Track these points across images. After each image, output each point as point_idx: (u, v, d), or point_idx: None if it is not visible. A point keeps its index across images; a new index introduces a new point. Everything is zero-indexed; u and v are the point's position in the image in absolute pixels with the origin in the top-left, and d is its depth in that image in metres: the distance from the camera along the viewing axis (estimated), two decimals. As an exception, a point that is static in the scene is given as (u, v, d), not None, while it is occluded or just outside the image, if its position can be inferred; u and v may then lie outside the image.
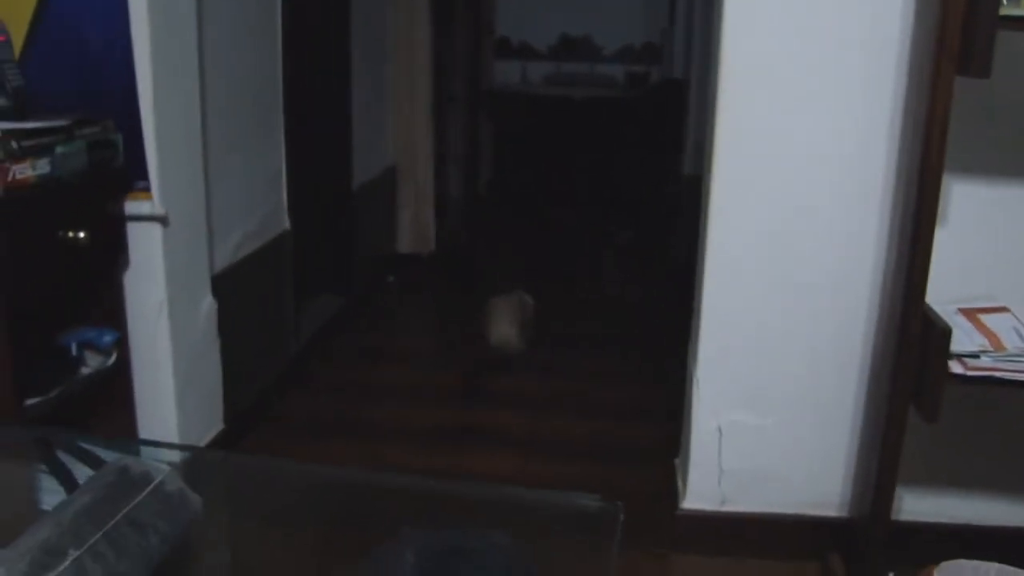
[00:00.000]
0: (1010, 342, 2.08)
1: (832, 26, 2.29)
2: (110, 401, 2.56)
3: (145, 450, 1.67)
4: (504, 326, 4.10)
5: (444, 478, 2.94)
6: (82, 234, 2.28)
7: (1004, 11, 1.86)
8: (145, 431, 2.66)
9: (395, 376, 4.02)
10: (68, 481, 1.28)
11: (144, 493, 1.12)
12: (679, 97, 6.43)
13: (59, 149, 2.23)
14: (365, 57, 4.71)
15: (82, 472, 1.29)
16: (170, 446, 2.32)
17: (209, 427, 2.99)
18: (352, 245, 4.66)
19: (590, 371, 4.07)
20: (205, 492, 1.24)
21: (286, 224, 3.68)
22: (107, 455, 1.37)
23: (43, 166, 2.19)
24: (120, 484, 1.15)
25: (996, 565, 2.10)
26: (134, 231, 2.57)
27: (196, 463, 1.58)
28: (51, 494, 1.33)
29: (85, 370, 2.46)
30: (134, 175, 2.53)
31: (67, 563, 1.02)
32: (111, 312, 2.55)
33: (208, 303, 2.94)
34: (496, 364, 3.99)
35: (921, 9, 2.23)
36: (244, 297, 3.26)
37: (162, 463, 1.28)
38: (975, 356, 2.05)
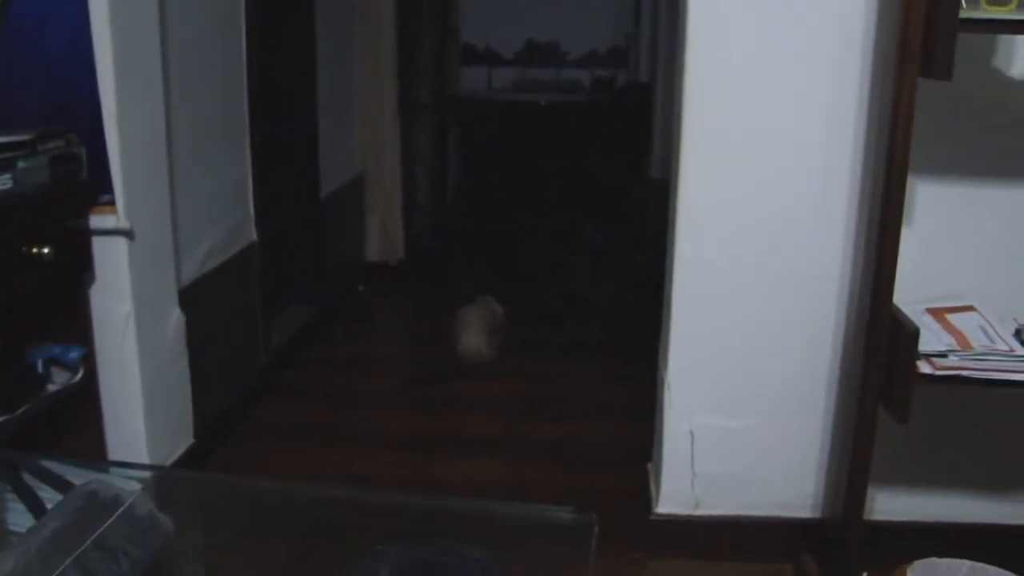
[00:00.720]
0: (977, 341, 2.10)
1: (797, 28, 2.31)
2: (77, 418, 2.52)
3: (114, 470, 1.64)
4: (473, 337, 4.11)
5: (418, 491, 2.95)
6: (46, 249, 2.25)
7: (964, 14, 1.88)
8: (113, 447, 2.63)
9: (368, 384, 4.02)
10: (36, 505, 1.26)
11: (114, 517, 1.10)
12: (645, 100, 6.46)
13: (21, 164, 2.20)
14: (331, 63, 4.70)
15: (50, 495, 1.27)
16: (139, 467, 2.29)
17: (179, 441, 2.96)
18: (321, 254, 4.65)
19: (562, 375, 4.07)
20: (176, 513, 1.22)
21: (253, 235, 3.66)
22: (75, 476, 1.35)
23: (4, 181, 2.15)
24: (89, 508, 1.13)
25: (968, 562, 2.12)
26: (99, 245, 2.54)
27: (166, 483, 1.56)
28: (18, 515, 1.31)
29: (52, 387, 2.42)
30: (99, 188, 2.50)
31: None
32: (77, 327, 2.52)
33: (176, 316, 2.91)
34: (453, 372, 3.98)
35: (883, 12, 2.25)
36: (212, 309, 3.24)
37: (133, 483, 1.26)
38: (943, 355, 2.07)
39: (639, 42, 7.24)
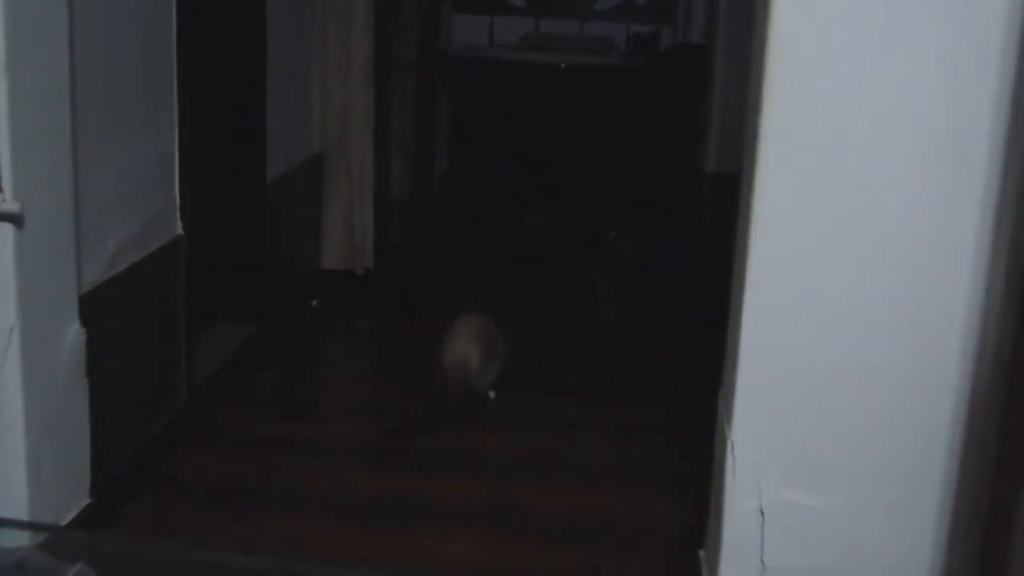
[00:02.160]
0: None
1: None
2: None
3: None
4: (462, 343, 4.13)
5: (384, 571, 2.93)
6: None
7: None
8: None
9: (320, 429, 4.02)
10: None
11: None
12: (700, 68, 6.44)
13: None
14: (287, 15, 4.73)
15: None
16: (30, 526, 2.27)
17: (72, 501, 2.94)
18: (264, 257, 4.63)
19: (576, 424, 4.07)
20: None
21: (178, 229, 3.67)
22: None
23: None
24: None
25: None
26: (-24, 234, 2.55)
27: (61, 547, 1.55)
28: None
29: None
30: (-23, 158, 2.50)
31: None
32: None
33: (74, 332, 2.88)
34: (434, 419, 3.98)
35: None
36: (122, 324, 3.23)
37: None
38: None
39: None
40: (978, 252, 2.40)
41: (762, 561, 2.58)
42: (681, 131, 6.76)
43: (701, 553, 2.87)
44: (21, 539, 1.92)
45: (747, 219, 2.49)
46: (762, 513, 2.58)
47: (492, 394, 4.17)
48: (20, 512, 2.66)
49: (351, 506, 3.42)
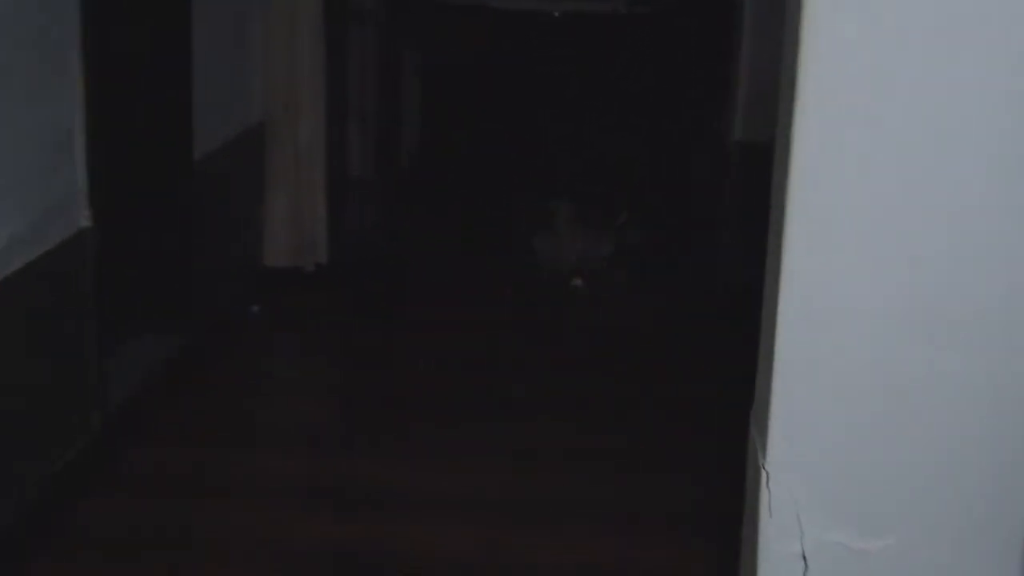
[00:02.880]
0: None
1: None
2: None
3: None
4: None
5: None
6: None
7: None
8: None
9: (261, 468, 4.01)
10: None
11: None
12: (723, 17, 6.43)
13: None
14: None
15: None
16: None
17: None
18: (191, 253, 4.66)
19: (575, 454, 4.10)
20: None
21: (84, 220, 3.67)
22: None
23: None
24: None
25: None
26: None
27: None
28: None
29: None
30: None
31: None
32: None
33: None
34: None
35: None
36: (11, 340, 3.24)
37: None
38: None
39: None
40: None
41: (805, 619, 2.60)
42: (701, 92, 6.75)
43: (732, 609, 2.84)
44: None
45: (782, 199, 2.38)
46: (804, 559, 2.53)
47: (579, 282, 4.32)
48: None
49: (295, 560, 3.42)
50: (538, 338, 5.14)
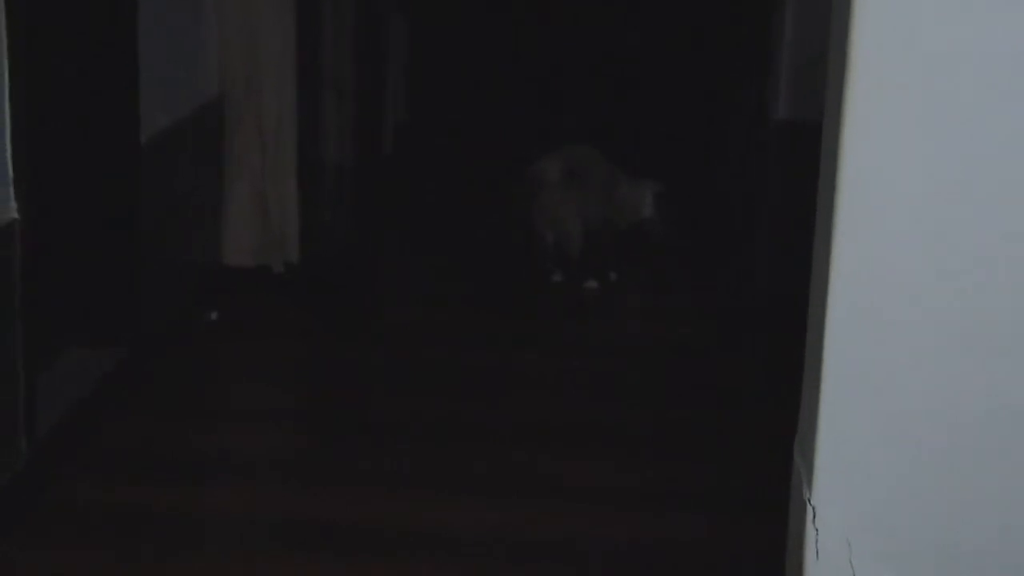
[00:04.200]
0: None
1: None
2: None
3: None
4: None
5: None
6: None
7: None
8: None
9: (219, 503, 3.99)
10: None
11: None
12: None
13: None
14: None
15: None
16: None
17: None
18: (137, 251, 4.60)
19: (589, 491, 4.08)
20: None
21: (11, 211, 3.65)
22: None
23: None
24: None
25: None
26: None
27: None
28: None
29: None
30: None
31: None
32: None
33: None
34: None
35: None
36: None
37: None
38: None
39: None
40: None
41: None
42: (739, 62, 6.71)
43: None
44: None
45: (832, 189, 2.42)
46: (857, 603, 2.42)
47: (594, 283, 4.36)
48: None
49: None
50: (545, 349, 5.16)
